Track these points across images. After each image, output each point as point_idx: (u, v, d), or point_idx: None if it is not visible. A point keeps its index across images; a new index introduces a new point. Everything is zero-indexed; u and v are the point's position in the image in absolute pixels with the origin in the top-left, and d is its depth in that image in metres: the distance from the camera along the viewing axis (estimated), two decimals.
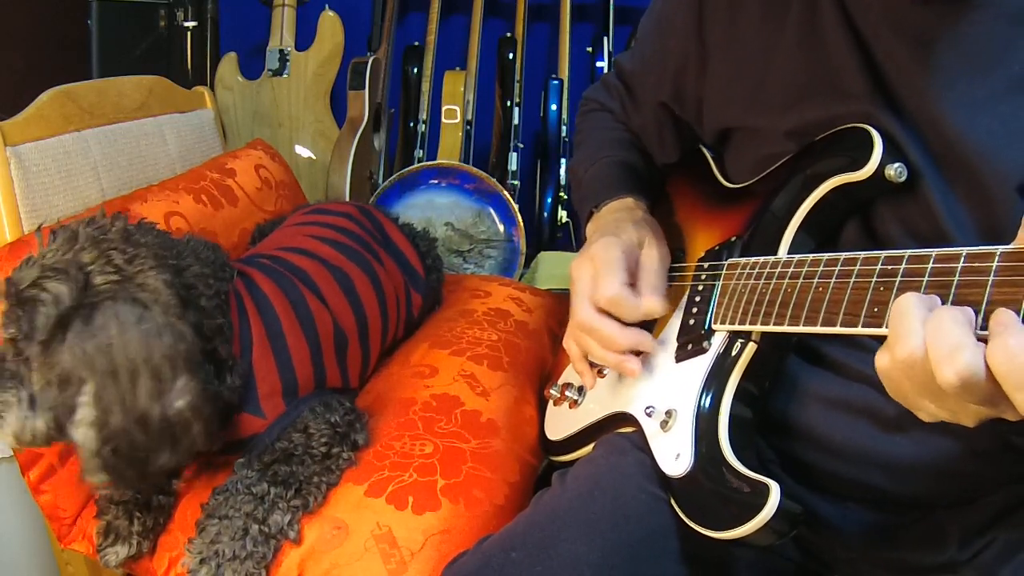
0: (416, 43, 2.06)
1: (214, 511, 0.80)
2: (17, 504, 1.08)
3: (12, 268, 0.82)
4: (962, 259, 0.49)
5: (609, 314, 0.75)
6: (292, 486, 0.81)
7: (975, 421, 0.48)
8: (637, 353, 0.76)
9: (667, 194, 0.91)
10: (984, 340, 0.44)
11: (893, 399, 0.51)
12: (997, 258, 0.47)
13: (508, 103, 2.02)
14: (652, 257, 0.78)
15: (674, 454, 0.68)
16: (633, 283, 0.76)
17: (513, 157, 1.98)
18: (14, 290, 0.68)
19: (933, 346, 0.45)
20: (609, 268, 0.75)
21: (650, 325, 0.78)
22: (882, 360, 0.50)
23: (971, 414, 0.48)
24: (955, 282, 0.49)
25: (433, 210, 1.84)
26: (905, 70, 0.62)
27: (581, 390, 0.89)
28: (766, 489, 0.58)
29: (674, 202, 0.89)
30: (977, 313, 0.47)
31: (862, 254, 0.57)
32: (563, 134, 2.01)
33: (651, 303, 0.74)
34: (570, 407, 0.90)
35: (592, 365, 0.84)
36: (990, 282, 0.47)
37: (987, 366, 0.43)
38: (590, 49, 2.11)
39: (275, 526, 0.79)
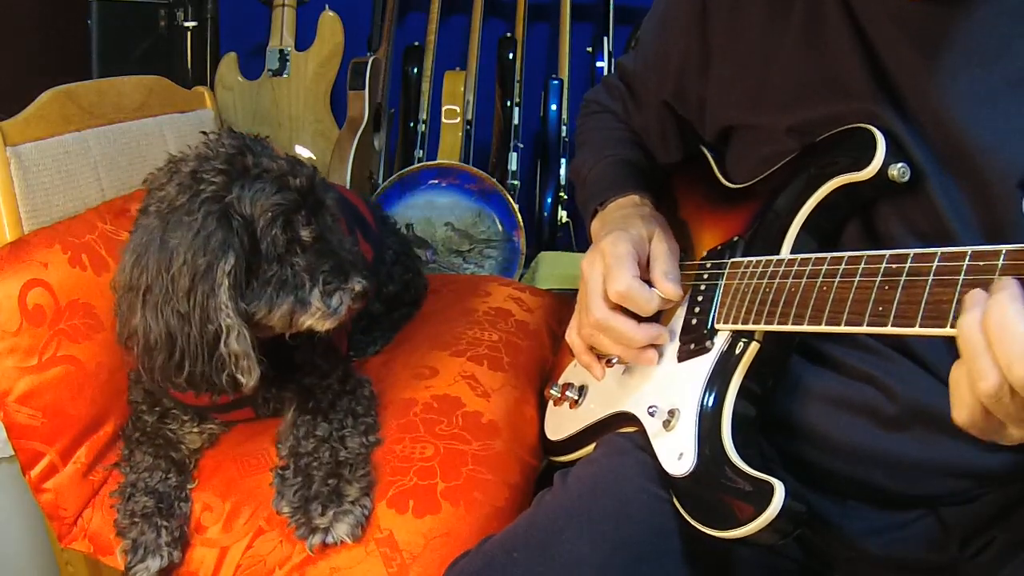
0: (416, 43, 2.06)
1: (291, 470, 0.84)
2: (17, 504, 1.08)
3: (12, 268, 0.82)
4: (967, 258, 0.49)
5: (623, 310, 0.75)
6: (346, 415, 0.89)
7: None
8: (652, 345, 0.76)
9: (668, 195, 0.91)
10: None
11: (982, 438, 0.51)
12: (1003, 256, 0.47)
13: (508, 103, 2.02)
14: (662, 249, 0.77)
15: (677, 453, 0.67)
16: (644, 277, 0.76)
17: (513, 157, 1.97)
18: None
19: (1001, 350, 0.45)
20: (619, 262, 0.74)
21: (656, 321, 0.77)
22: (964, 409, 0.49)
23: None
24: (960, 280, 0.49)
25: (433, 210, 1.84)
26: (908, 67, 0.62)
27: (581, 390, 0.89)
28: (770, 488, 0.58)
29: (676, 203, 0.89)
30: None
31: (866, 253, 0.57)
32: (563, 134, 2.01)
33: (668, 288, 0.74)
34: (570, 407, 0.90)
35: (599, 356, 0.83)
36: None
37: None
38: (590, 49, 2.11)
39: (354, 449, 0.86)
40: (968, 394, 0.48)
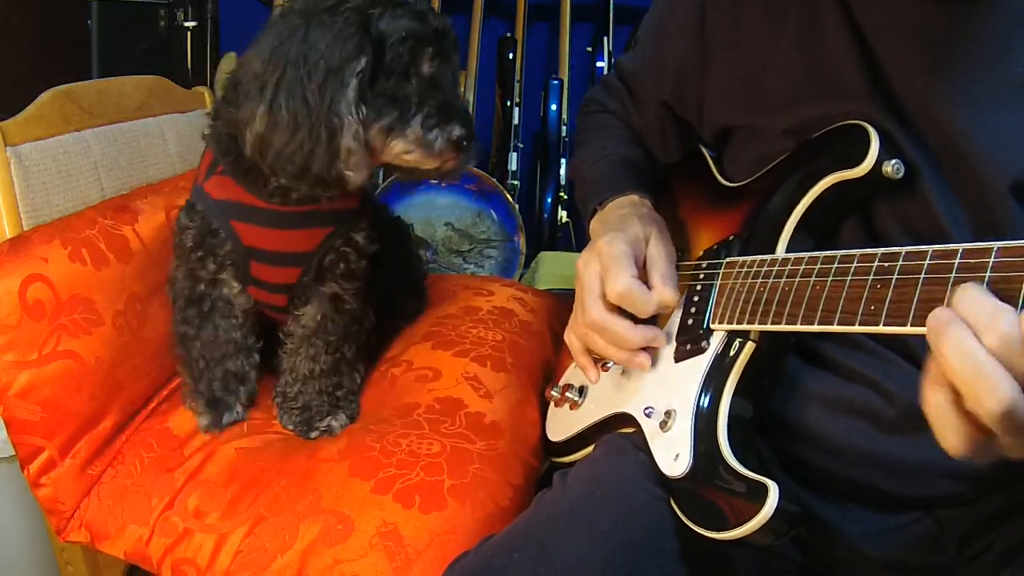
0: None
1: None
2: (18, 505, 1.08)
3: (13, 263, 0.82)
4: (959, 255, 0.49)
5: (620, 311, 0.75)
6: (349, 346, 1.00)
7: None
8: (646, 348, 0.76)
9: (667, 194, 0.91)
10: None
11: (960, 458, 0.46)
12: (994, 253, 0.47)
13: (508, 103, 2.02)
14: (659, 251, 0.77)
15: (673, 454, 0.67)
16: (640, 278, 0.75)
17: (513, 157, 1.98)
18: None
19: (972, 317, 0.43)
20: (617, 263, 0.74)
21: (652, 323, 0.78)
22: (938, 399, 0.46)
23: None
24: (951, 279, 0.49)
25: (433, 210, 1.84)
26: (906, 69, 0.63)
27: (582, 391, 0.89)
28: (764, 489, 0.58)
29: (674, 202, 0.89)
30: None
31: (858, 251, 0.57)
32: (563, 134, 2.01)
33: (665, 292, 0.74)
34: (571, 408, 0.90)
35: (596, 359, 0.83)
36: (987, 278, 0.46)
37: None
38: (590, 49, 2.11)
39: (349, 387, 1.01)
40: (960, 419, 0.45)
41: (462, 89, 1.98)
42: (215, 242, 0.91)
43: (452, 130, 0.81)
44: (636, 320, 0.75)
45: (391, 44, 0.79)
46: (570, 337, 0.83)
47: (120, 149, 1.06)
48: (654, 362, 0.76)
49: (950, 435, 0.45)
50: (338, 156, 0.78)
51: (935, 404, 0.46)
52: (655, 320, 0.77)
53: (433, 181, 1.83)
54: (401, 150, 0.82)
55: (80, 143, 0.99)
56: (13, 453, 0.87)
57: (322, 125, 0.77)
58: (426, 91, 0.81)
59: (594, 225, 0.87)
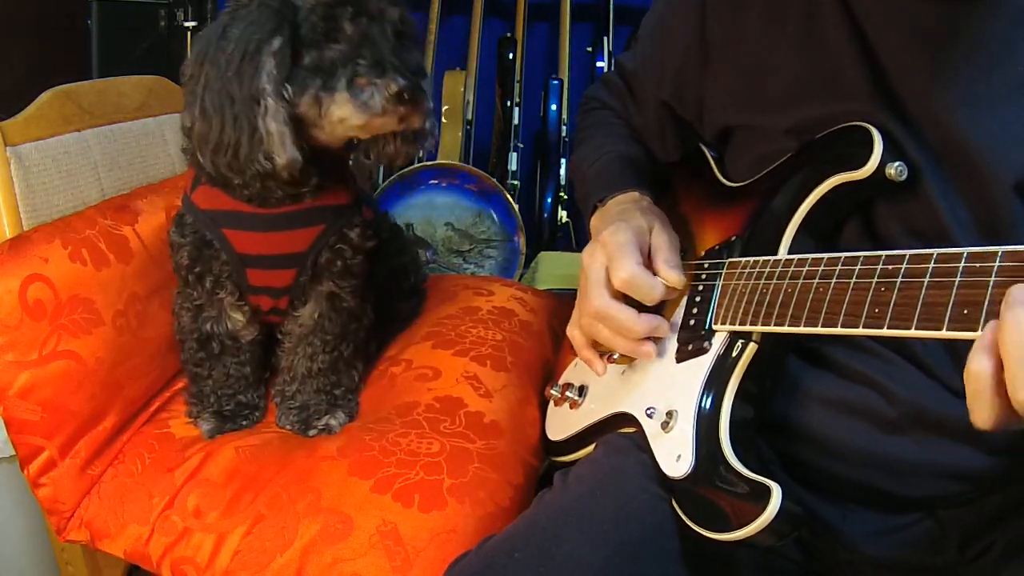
0: None
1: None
2: (18, 505, 1.08)
3: (13, 263, 0.82)
4: (963, 259, 0.49)
5: (623, 300, 0.75)
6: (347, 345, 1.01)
7: None
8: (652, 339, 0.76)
9: (668, 194, 0.91)
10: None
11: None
12: (999, 258, 0.47)
13: (508, 103, 2.02)
14: (663, 239, 0.77)
15: (675, 455, 0.67)
16: (645, 266, 0.75)
17: (513, 157, 1.98)
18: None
19: None
20: (622, 250, 0.74)
21: (657, 313, 0.77)
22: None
23: None
24: (956, 282, 0.49)
25: (433, 210, 1.84)
26: (907, 69, 0.63)
27: (582, 390, 0.89)
28: (767, 491, 0.58)
29: (675, 201, 0.89)
30: (979, 313, 0.46)
31: (863, 254, 0.57)
32: (563, 134, 2.01)
33: (671, 275, 0.74)
34: (571, 407, 0.90)
35: (601, 352, 0.83)
36: (991, 283, 0.46)
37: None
38: (590, 49, 2.11)
39: (347, 385, 1.01)
40: (994, 395, 0.45)
41: (462, 89, 1.98)
42: (210, 253, 0.91)
43: (389, 84, 0.77)
44: (640, 310, 0.75)
45: (303, 16, 0.78)
46: (573, 332, 0.82)
47: (120, 149, 1.06)
48: (656, 362, 0.75)
49: (982, 408, 0.46)
50: (262, 141, 0.78)
51: (976, 372, 0.45)
52: (660, 311, 0.77)
53: (433, 180, 1.85)
54: (340, 116, 0.79)
55: (80, 143, 0.99)
56: (13, 453, 0.87)
57: (244, 113, 0.77)
58: (353, 52, 0.78)
59: (594, 222, 0.87)
